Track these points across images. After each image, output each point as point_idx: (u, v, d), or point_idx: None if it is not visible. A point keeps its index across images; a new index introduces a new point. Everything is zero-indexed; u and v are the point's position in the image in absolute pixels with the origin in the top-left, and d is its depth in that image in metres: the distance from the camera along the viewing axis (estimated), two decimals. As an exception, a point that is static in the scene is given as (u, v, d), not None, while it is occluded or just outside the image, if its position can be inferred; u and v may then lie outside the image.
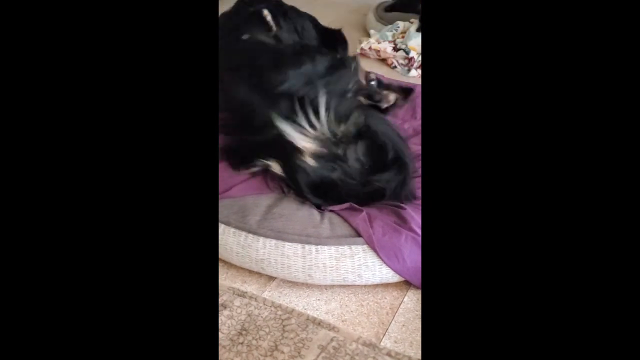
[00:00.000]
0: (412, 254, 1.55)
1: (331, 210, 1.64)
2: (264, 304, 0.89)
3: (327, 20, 3.75)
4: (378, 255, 1.54)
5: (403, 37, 2.90)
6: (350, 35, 3.39)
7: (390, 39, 2.94)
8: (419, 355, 1.16)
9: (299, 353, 0.79)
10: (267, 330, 0.84)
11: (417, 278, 1.56)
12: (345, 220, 1.63)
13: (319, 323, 0.84)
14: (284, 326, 0.84)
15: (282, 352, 0.80)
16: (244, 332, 0.82)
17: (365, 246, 1.57)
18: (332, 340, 0.82)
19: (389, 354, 0.78)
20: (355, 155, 1.65)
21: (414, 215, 1.61)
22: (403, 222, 1.59)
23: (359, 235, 1.58)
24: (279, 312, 0.86)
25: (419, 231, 1.54)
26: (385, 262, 1.54)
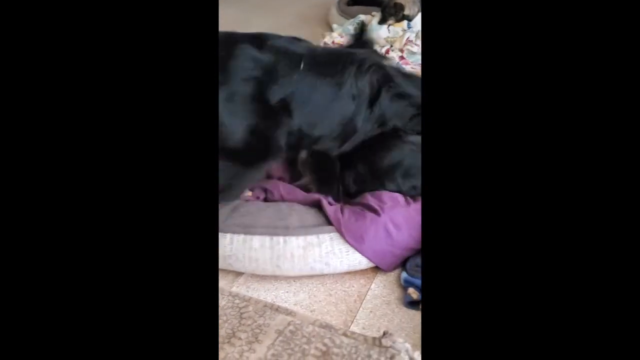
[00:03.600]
0: (377, 236, 1.56)
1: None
2: (221, 294, 0.89)
3: (289, 15, 3.76)
4: (344, 237, 1.56)
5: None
6: (313, 29, 3.41)
7: (352, 32, 2.96)
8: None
9: (256, 338, 0.80)
10: (224, 318, 0.84)
11: (381, 260, 1.59)
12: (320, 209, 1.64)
13: (276, 309, 0.85)
14: (241, 314, 0.85)
15: (240, 339, 0.81)
16: (200, 322, 0.82)
17: (332, 234, 1.58)
18: (289, 324, 0.82)
19: (344, 334, 0.79)
20: None
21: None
22: (372, 211, 1.61)
23: (327, 223, 1.59)
24: (237, 301, 0.86)
25: (384, 216, 1.57)
26: (351, 244, 1.56)
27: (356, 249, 1.57)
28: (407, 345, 0.77)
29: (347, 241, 1.57)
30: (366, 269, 1.64)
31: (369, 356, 0.75)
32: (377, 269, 1.65)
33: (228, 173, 1.43)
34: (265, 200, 1.77)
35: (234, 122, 1.36)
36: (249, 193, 1.72)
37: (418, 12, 2.86)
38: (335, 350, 0.76)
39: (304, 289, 1.61)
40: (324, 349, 0.76)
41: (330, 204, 1.66)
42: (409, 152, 1.62)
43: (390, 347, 0.76)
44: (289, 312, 0.86)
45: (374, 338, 0.79)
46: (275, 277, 1.63)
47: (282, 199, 1.74)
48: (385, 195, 1.64)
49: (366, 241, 1.56)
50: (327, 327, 0.82)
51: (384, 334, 0.80)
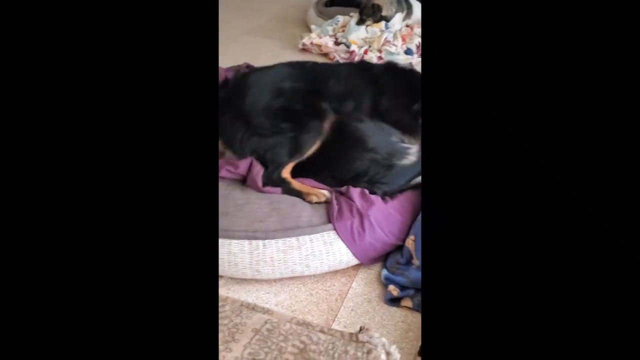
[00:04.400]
0: (362, 231, 1.57)
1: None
2: (198, 294, 0.88)
3: (268, 16, 3.76)
4: (337, 232, 1.57)
5: (343, 30, 2.93)
6: (291, 30, 3.41)
7: (331, 33, 2.97)
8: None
9: (233, 338, 0.79)
10: (200, 319, 0.83)
11: (364, 255, 1.60)
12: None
13: (252, 308, 0.84)
14: (218, 313, 0.84)
15: (216, 339, 0.80)
16: (176, 323, 0.81)
17: (312, 236, 1.58)
18: (266, 322, 0.82)
19: (321, 331, 0.79)
20: None
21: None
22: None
23: (308, 224, 1.59)
24: (213, 301, 0.86)
25: (373, 218, 1.59)
26: (341, 238, 1.57)
27: (345, 243, 1.57)
28: (384, 340, 0.78)
29: (339, 235, 1.57)
30: (347, 268, 1.64)
31: (346, 352, 0.75)
32: (358, 267, 1.65)
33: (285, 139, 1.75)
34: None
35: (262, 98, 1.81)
36: None
37: (395, 12, 2.88)
38: (313, 347, 0.76)
39: (285, 289, 1.60)
40: (301, 346, 0.76)
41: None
42: (370, 162, 1.68)
43: (367, 342, 0.76)
44: (265, 311, 0.85)
45: (351, 334, 0.79)
46: (256, 280, 1.62)
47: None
48: (363, 193, 1.66)
49: (355, 236, 1.57)
50: (304, 324, 0.81)
51: (361, 329, 0.80)
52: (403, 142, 1.76)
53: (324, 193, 1.68)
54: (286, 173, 1.73)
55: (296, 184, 1.72)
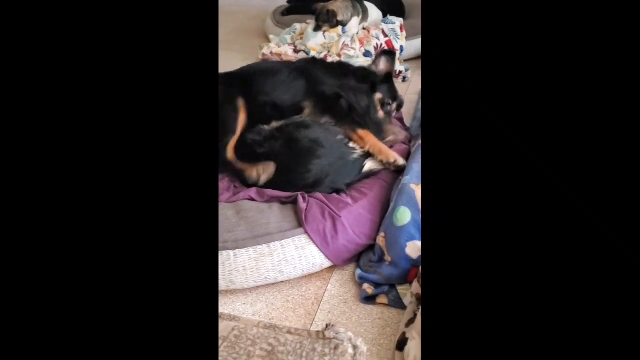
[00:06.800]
0: (336, 233, 1.58)
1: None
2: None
3: (227, 29, 3.77)
4: (310, 237, 1.57)
5: (302, 38, 2.96)
6: (251, 41, 3.43)
7: (289, 41, 2.99)
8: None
9: (200, 348, 0.78)
10: (166, 332, 0.82)
11: (338, 257, 1.60)
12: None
13: (219, 316, 0.84)
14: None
15: (183, 351, 0.79)
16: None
17: (283, 241, 1.57)
18: (233, 329, 0.81)
19: (289, 332, 0.79)
20: None
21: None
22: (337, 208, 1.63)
23: (278, 230, 1.59)
24: (179, 313, 0.85)
25: (345, 220, 1.60)
26: (315, 243, 1.57)
27: (319, 246, 1.57)
28: (350, 334, 0.78)
29: (311, 239, 1.57)
30: (321, 271, 1.64)
31: (314, 350, 0.75)
32: (332, 269, 1.66)
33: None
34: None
35: None
36: None
37: (351, 16, 2.92)
38: (281, 348, 0.76)
39: (261, 298, 1.60)
40: (269, 348, 0.75)
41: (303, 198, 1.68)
42: (328, 166, 1.71)
43: (334, 338, 0.77)
44: (232, 318, 0.85)
45: (318, 332, 0.80)
46: (231, 291, 1.61)
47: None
48: (332, 196, 1.67)
49: (328, 239, 1.57)
50: (271, 327, 0.81)
51: (327, 326, 0.81)
52: (348, 143, 1.82)
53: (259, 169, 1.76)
54: (230, 154, 1.85)
55: (239, 163, 1.83)
